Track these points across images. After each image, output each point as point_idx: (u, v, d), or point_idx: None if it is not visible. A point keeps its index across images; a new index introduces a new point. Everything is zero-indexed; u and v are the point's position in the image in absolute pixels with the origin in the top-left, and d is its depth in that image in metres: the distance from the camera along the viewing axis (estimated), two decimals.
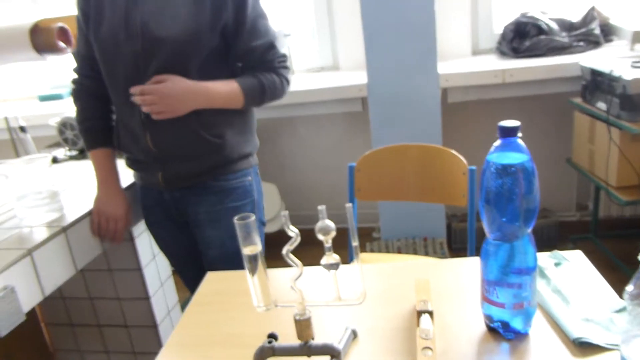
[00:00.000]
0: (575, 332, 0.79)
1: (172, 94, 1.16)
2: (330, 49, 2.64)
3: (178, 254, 1.49)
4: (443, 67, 2.19)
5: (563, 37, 2.31)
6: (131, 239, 1.59)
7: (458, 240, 2.57)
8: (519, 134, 0.74)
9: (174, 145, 1.25)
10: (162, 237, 1.47)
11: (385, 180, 1.65)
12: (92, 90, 1.34)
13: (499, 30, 2.45)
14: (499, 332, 0.82)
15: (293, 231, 0.72)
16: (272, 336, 0.82)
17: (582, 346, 0.78)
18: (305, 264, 0.76)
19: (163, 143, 1.25)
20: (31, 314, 1.18)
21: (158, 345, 1.74)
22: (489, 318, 0.83)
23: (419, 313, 0.83)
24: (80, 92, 1.36)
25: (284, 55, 1.31)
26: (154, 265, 1.69)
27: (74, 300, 1.75)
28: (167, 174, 1.29)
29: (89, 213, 1.32)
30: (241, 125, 1.31)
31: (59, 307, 1.77)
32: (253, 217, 0.73)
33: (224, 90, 1.23)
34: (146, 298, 1.68)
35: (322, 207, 0.71)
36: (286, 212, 0.71)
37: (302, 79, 2.50)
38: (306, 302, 0.77)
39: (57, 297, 1.75)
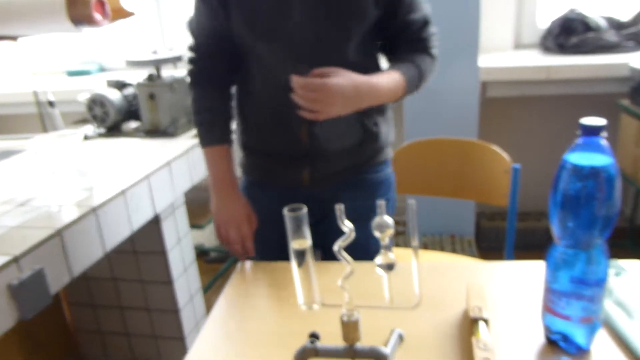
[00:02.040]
0: None
1: (340, 92, 0.93)
2: None
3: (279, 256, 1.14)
4: (483, 60, 2.10)
5: (612, 36, 2.20)
6: (157, 222, 1.55)
7: (486, 240, 2.49)
8: (604, 134, 0.67)
9: (333, 136, 1.09)
10: (271, 239, 1.13)
11: (420, 174, 1.59)
12: (215, 74, 1.15)
13: (542, 25, 2.36)
14: (559, 345, 0.76)
15: (347, 226, 0.66)
16: (315, 336, 0.76)
17: None
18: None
19: (321, 135, 1.08)
20: None
21: (179, 330, 1.70)
22: (548, 329, 0.77)
23: (473, 320, 0.77)
24: (200, 75, 1.15)
25: (436, 34, 1.15)
26: (179, 249, 1.66)
27: (97, 280, 1.72)
28: (316, 171, 1.12)
29: (120, 193, 1.27)
30: (387, 110, 1.19)
31: (82, 287, 1.74)
32: (305, 209, 0.67)
33: (390, 86, 1.04)
34: (169, 282, 1.64)
35: (381, 202, 0.65)
36: (342, 206, 0.65)
37: None
38: (355, 304, 0.72)
39: (80, 277, 1.72)
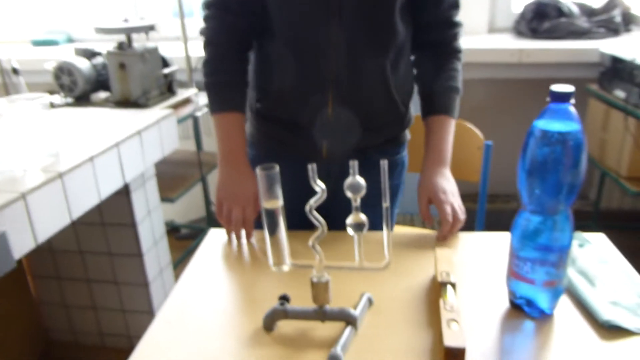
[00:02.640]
0: (605, 315, 0.75)
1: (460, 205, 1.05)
2: None
3: None
4: None
5: (583, 22, 2.24)
6: (126, 193, 1.52)
7: None
8: (572, 101, 0.68)
9: (362, 109, 1.04)
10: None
11: None
12: (235, 33, 1.02)
13: (517, 9, 2.38)
14: (523, 309, 0.78)
15: (319, 186, 0.66)
16: (284, 298, 0.76)
17: (611, 329, 0.74)
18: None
19: (348, 106, 1.02)
20: (17, 263, 1.12)
21: (148, 304, 1.69)
22: (513, 294, 0.79)
23: (441, 284, 0.78)
24: (219, 33, 1.03)
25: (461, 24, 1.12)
26: (149, 221, 1.63)
27: (63, 253, 1.68)
28: (336, 144, 1.06)
29: (88, 160, 1.24)
30: (413, 91, 1.15)
31: (47, 259, 1.70)
32: (277, 168, 0.67)
33: (451, 139, 1.10)
34: (139, 255, 1.62)
35: (354, 162, 0.65)
36: (314, 165, 0.65)
37: None
38: (325, 264, 0.72)
39: (45, 248, 1.68)
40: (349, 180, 0.65)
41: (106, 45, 1.85)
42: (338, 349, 0.68)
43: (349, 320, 0.73)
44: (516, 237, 0.75)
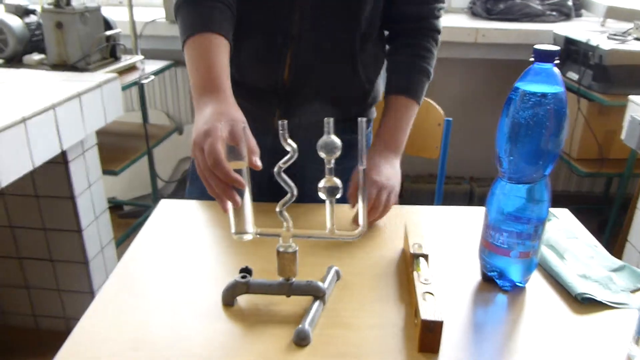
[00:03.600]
0: (579, 288, 0.73)
1: (392, 186, 0.90)
2: None
3: None
4: None
5: (536, 5, 2.27)
6: (65, 162, 1.39)
7: (407, 201, 2.52)
8: (557, 61, 0.65)
9: (319, 79, 0.96)
10: None
11: None
12: None
13: None
14: (495, 282, 0.75)
15: (291, 145, 0.59)
16: (246, 270, 0.70)
17: (582, 303, 0.72)
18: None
19: (305, 72, 0.94)
20: None
21: (88, 284, 1.57)
22: (485, 266, 0.76)
23: (413, 256, 0.74)
24: None
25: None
26: (88, 194, 1.51)
27: None
28: (288, 115, 0.96)
29: (20, 121, 1.11)
30: (382, 68, 1.06)
31: None
32: (244, 124, 0.60)
33: (410, 124, 0.99)
34: (77, 231, 1.50)
35: (329, 119, 0.59)
36: (285, 122, 0.58)
37: None
38: (293, 233, 0.66)
39: None
40: (323, 139, 0.59)
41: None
42: (306, 325, 0.63)
43: (317, 295, 0.68)
44: (492, 206, 0.72)
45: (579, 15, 2.35)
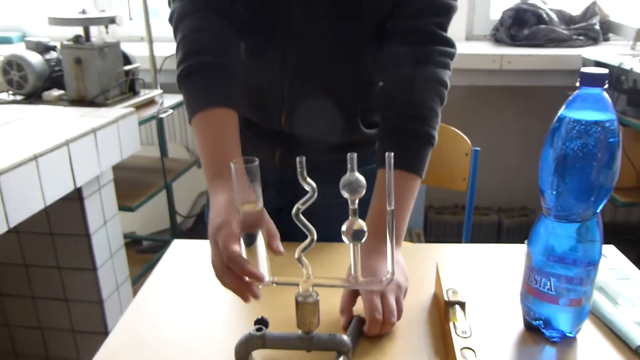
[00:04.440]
0: (639, 339, 0.65)
1: (400, 294, 0.70)
2: None
3: None
4: None
5: (563, 30, 2.20)
6: (80, 199, 1.36)
7: (433, 234, 2.44)
8: (606, 85, 0.58)
9: (316, 131, 0.91)
10: None
11: None
12: (226, 11, 0.78)
13: (495, 16, 2.33)
14: (542, 332, 0.67)
15: (310, 184, 0.53)
16: (262, 322, 0.63)
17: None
18: None
19: (302, 122, 0.89)
20: None
21: (102, 324, 1.52)
22: (529, 314, 0.67)
23: (448, 304, 0.66)
24: (206, 5, 0.78)
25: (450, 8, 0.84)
26: (104, 231, 1.47)
27: (6, 266, 1.50)
28: (289, 152, 0.93)
29: (32, 159, 1.08)
30: None
31: None
32: (256, 162, 0.54)
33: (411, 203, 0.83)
34: (92, 269, 1.45)
35: (352, 155, 0.53)
36: (302, 158, 0.52)
37: None
38: (314, 282, 0.59)
39: None
40: (346, 177, 0.53)
41: (63, 38, 1.69)
42: None
43: (341, 350, 0.60)
44: (536, 247, 0.64)
45: (606, 39, 2.28)
